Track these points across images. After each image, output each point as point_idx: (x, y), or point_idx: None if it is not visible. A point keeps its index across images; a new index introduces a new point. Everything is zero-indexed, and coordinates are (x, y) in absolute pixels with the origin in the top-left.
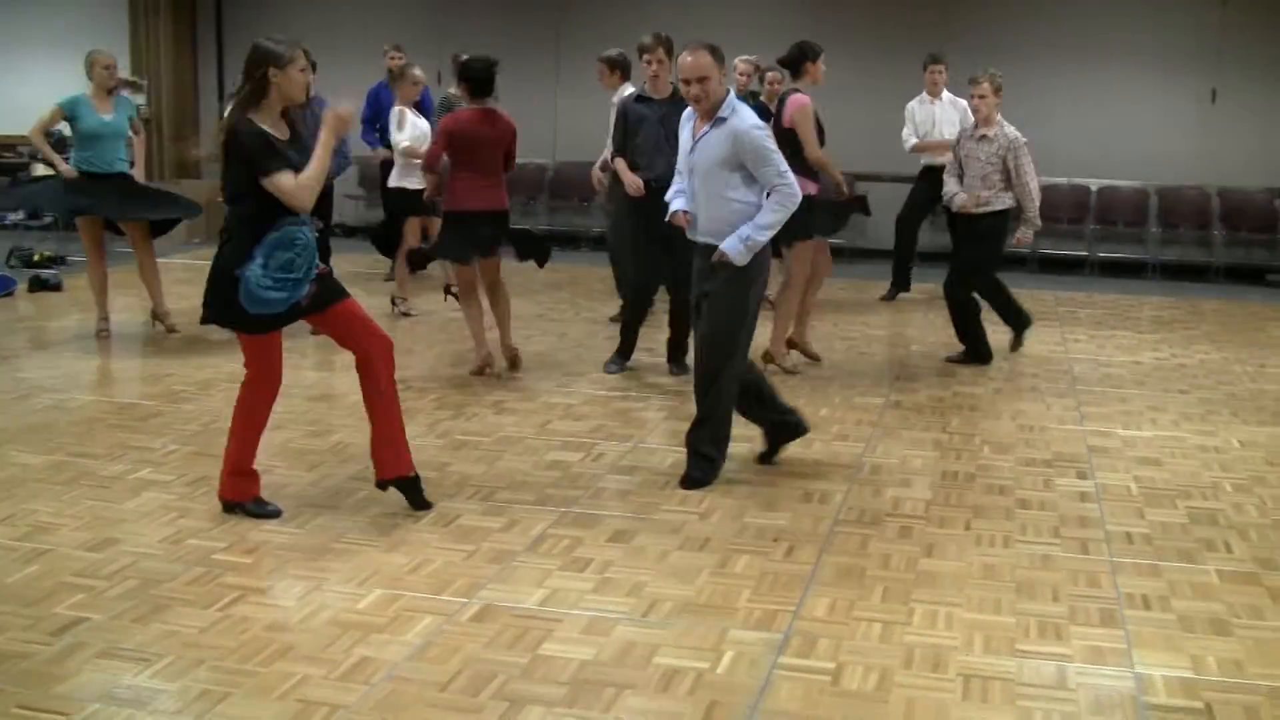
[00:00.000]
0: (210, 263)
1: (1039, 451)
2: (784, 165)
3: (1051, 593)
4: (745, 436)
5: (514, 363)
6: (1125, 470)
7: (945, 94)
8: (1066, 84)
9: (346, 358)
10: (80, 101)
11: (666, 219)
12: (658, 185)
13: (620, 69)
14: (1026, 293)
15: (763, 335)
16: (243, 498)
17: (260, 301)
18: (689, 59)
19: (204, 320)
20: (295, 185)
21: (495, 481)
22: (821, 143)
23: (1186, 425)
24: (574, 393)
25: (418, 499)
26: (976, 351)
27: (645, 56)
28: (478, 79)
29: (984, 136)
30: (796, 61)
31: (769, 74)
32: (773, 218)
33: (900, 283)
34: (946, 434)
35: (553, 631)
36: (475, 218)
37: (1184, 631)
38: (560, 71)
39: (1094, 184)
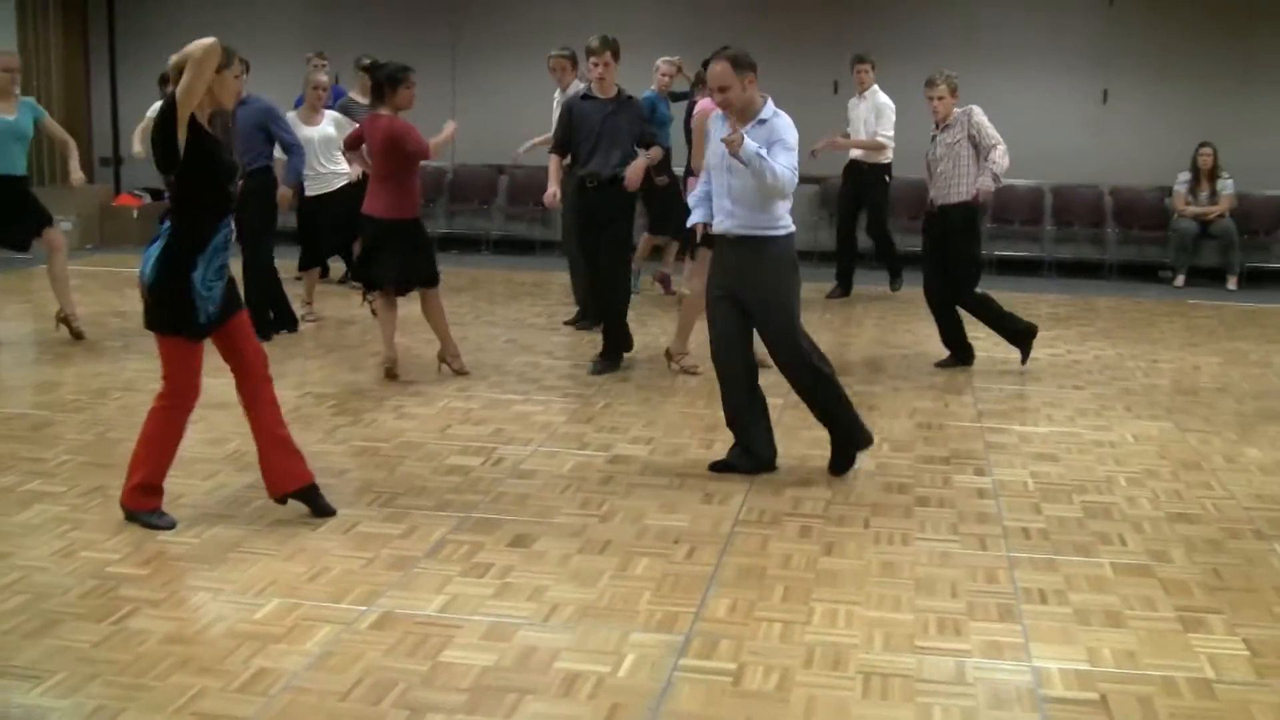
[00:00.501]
0: (149, 267)
1: (937, 449)
2: (795, 162)
3: (950, 589)
4: (644, 438)
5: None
6: (1022, 466)
7: (871, 92)
8: (963, 85)
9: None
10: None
11: (688, 226)
12: (593, 183)
13: (576, 65)
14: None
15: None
16: (144, 508)
17: (204, 308)
18: (715, 69)
19: (149, 326)
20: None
21: (395, 487)
22: None
23: (1082, 421)
24: (474, 397)
25: (321, 505)
26: (963, 353)
27: (592, 59)
28: (375, 83)
29: (946, 128)
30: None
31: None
32: (774, 167)
33: (845, 286)
34: None
35: (453, 638)
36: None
37: (1079, 624)
38: (456, 73)
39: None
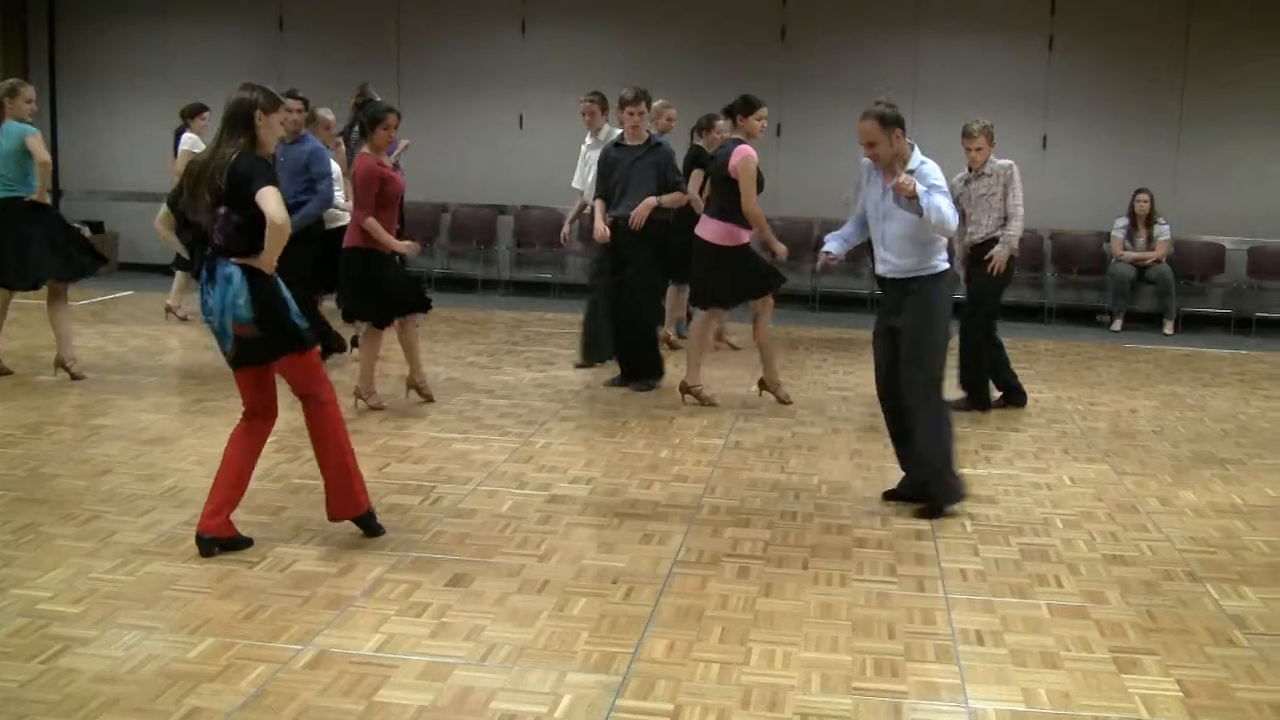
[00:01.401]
0: (244, 306)
1: (876, 490)
2: (951, 202)
3: (887, 630)
4: (584, 478)
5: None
6: (960, 508)
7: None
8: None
9: (183, 400)
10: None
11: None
12: (621, 224)
13: (606, 109)
14: (867, 334)
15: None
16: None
17: (301, 315)
18: (862, 126)
19: (259, 359)
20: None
21: (332, 526)
22: (759, 193)
23: (1020, 463)
24: (413, 435)
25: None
26: (1015, 395)
27: (628, 108)
28: (360, 123)
29: (981, 174)
30: (739, 112)
31: (716, 122)
32: (939, 200)
33: None
34: (785, 474)
35: (389, 678)
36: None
37: (1015, 665)
38: (401, 109)
39: None
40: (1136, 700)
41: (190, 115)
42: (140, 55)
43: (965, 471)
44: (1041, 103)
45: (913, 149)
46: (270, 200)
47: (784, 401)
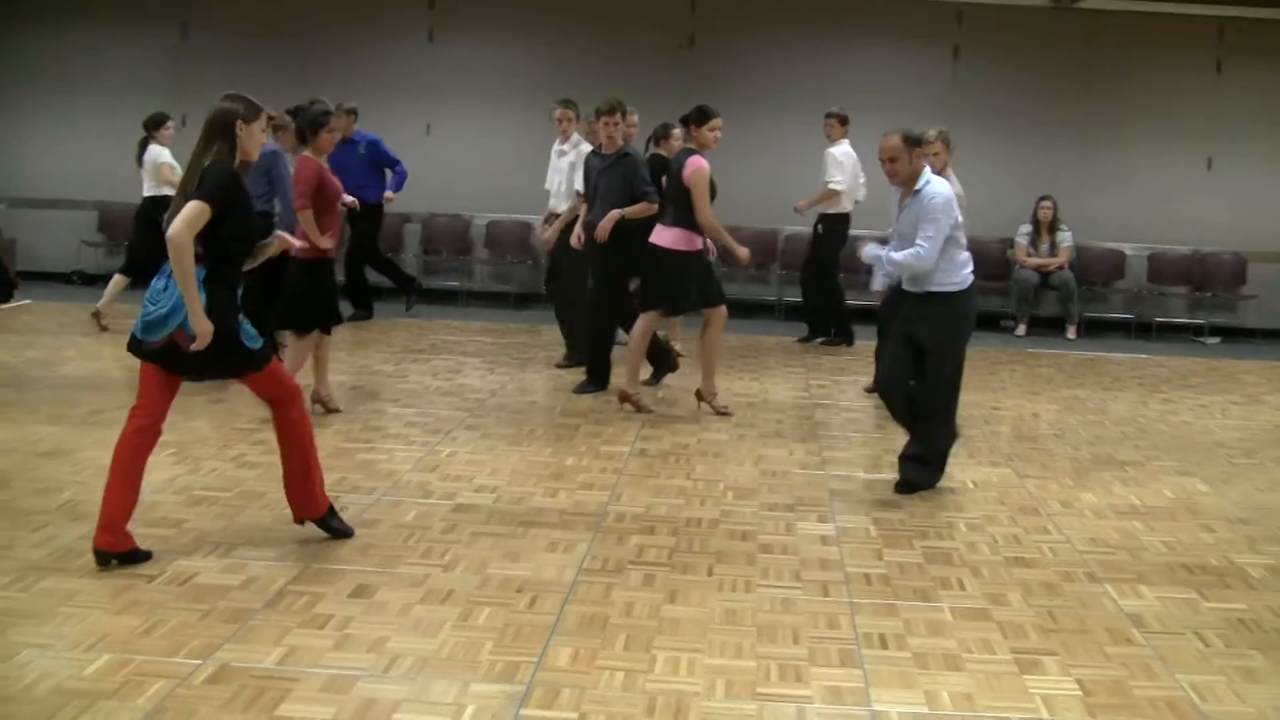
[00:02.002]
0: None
1: (781, 496)
2: (933, 235)
3: (792, 635)
4: (489, 487)
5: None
6: (865, 513)
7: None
8: (819, 136)
9: (79, 411)
10: None
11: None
12: (590, 231)
13: (578, 116)
14: (774, 339)
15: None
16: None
17: (254, 336)
18: (888, 141)
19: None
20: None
21: (234, 538)
22: (711, 201)
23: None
24: (318, 445)
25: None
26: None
27: (603, 119)
28: (297, 127)
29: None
30: (693, 122)
31: (672, 130)
32: (902, 258)
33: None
34: (691, 480)
35: (291, 691)
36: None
37: (919, 668)
38: None
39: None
40: (1037, 700)
41: (154, 126)
42: (40, 61)
43: (872, 476)
44: (946, 111)
45: (924, 168)
46: (179, 215)
47: (721, 412)
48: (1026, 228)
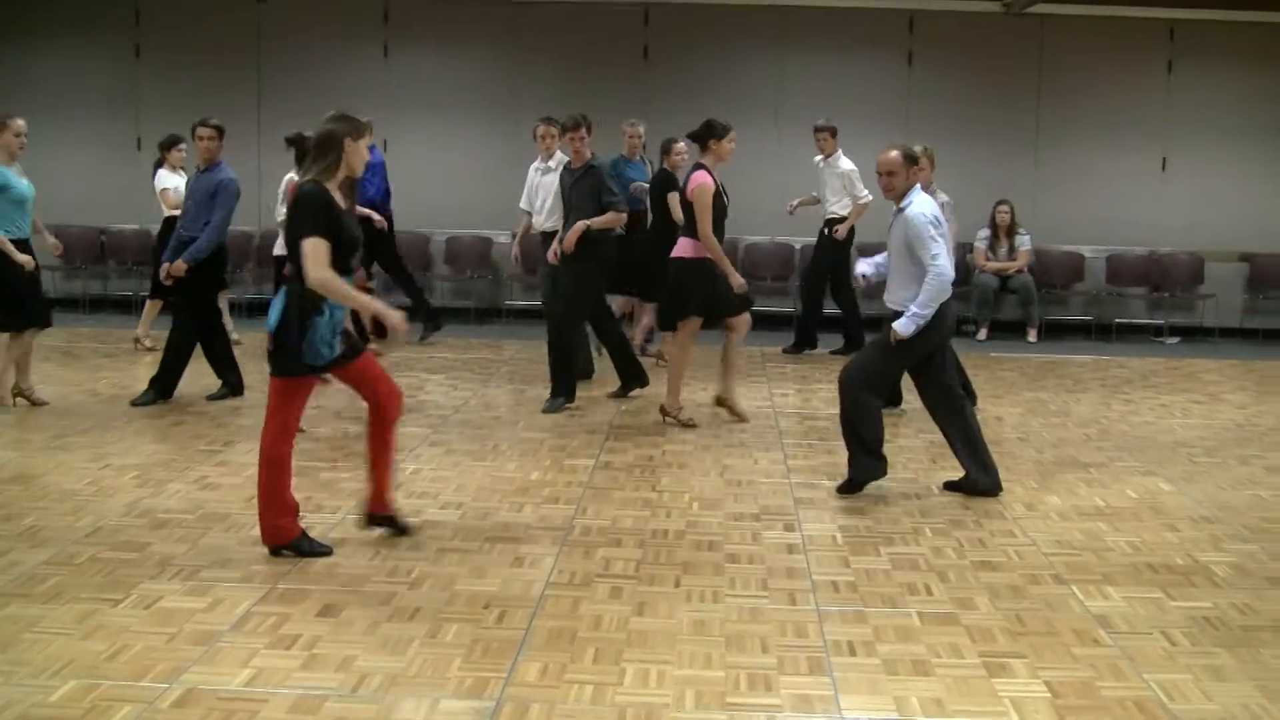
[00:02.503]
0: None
1: (747, 506)
2: (936, 249)
3: (761, 645)
4: (454, 503)
5: None
6: (831, 520)
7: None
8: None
9: (43, 436)
10: (4, 170)
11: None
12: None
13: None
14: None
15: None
16: (288, 537)
17: (316, 353)
18: (884, 156)
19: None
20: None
21: (199, 560)
22: (721, 219)
23: (889, 474)
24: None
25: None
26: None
27: (569, 134)
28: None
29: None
30: (702, 137)
31: (675, 145)
32: (925, 297)
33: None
34: (656, 492)
35: (259, 712)
36: None
37: (888, 674)
38: (262, 132)
39: (798, 242)
40: (1007, 703)
41: (167, 148)
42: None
43: (836, 484)
44: (902, 118)
45: (915, 186)
46: (306, 253)
47: (741, 419)
48: (985, 232)
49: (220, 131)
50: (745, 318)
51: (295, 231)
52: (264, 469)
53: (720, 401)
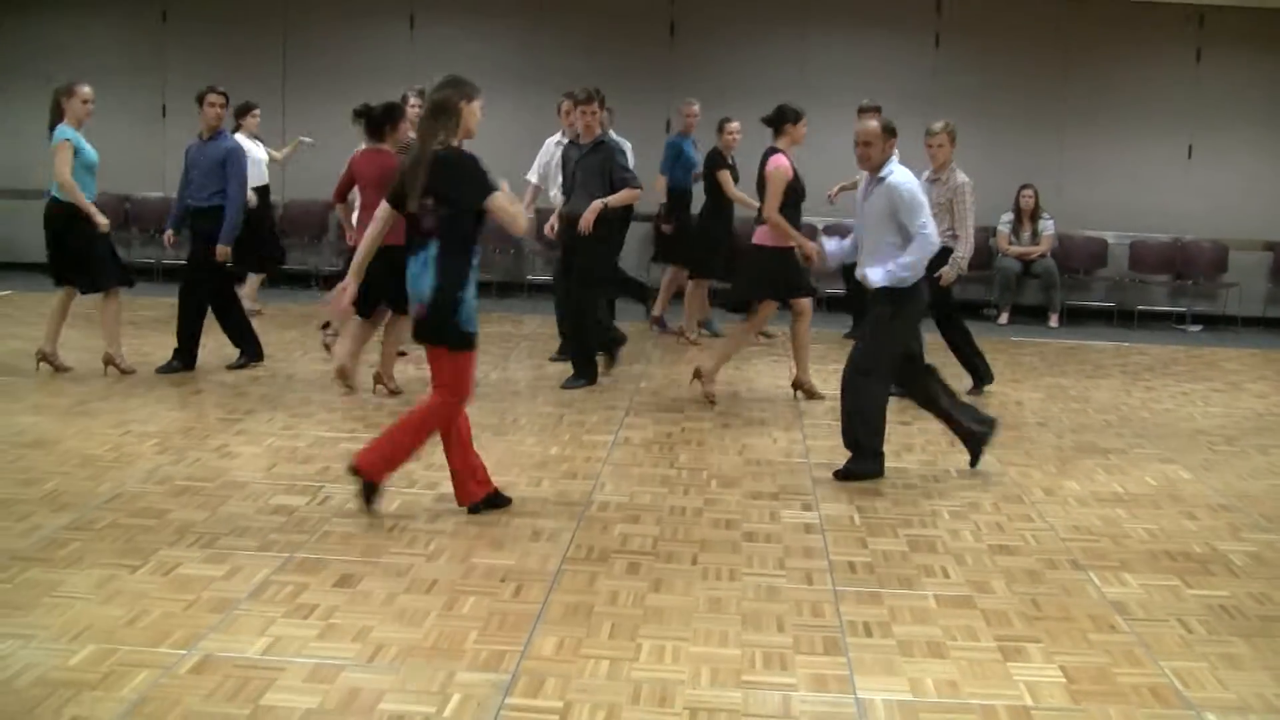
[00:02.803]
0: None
1: (765, 485)
2: (924, 217)
3: (777, 623)
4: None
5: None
6: (848, 501)
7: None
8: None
9: (64, 402)
10: (76, 135)
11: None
12: (571, 221)
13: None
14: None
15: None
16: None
17: (472, 320)
18: (865, 126)
19: (417, 338)
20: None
21: (218, 528)
22: (798, 203)
23: (908, 456)
24: (300, 435)
25: (500, 499)
26: (977, 373)
27: (580, 107)
28: (372, 121)
29: (938, 180)
30: (777, 122)
31: (729, 124)
32: (910, 259)
33: None
34: (675, 469)
35: (275, 680)
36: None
37: (903, 656)
38: (287, 108)
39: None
40: (1021, 687)
41: (241, 114)
42: (19, 48)
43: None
44: (928, 100)
45: (892, 158)
46: (501, 207)
47: (814, 395)
48: (1008, 216)
49: (227, 100)
50: (807, 301)
51: (471, 197)
52: (455, 444)
53: (799, 384)
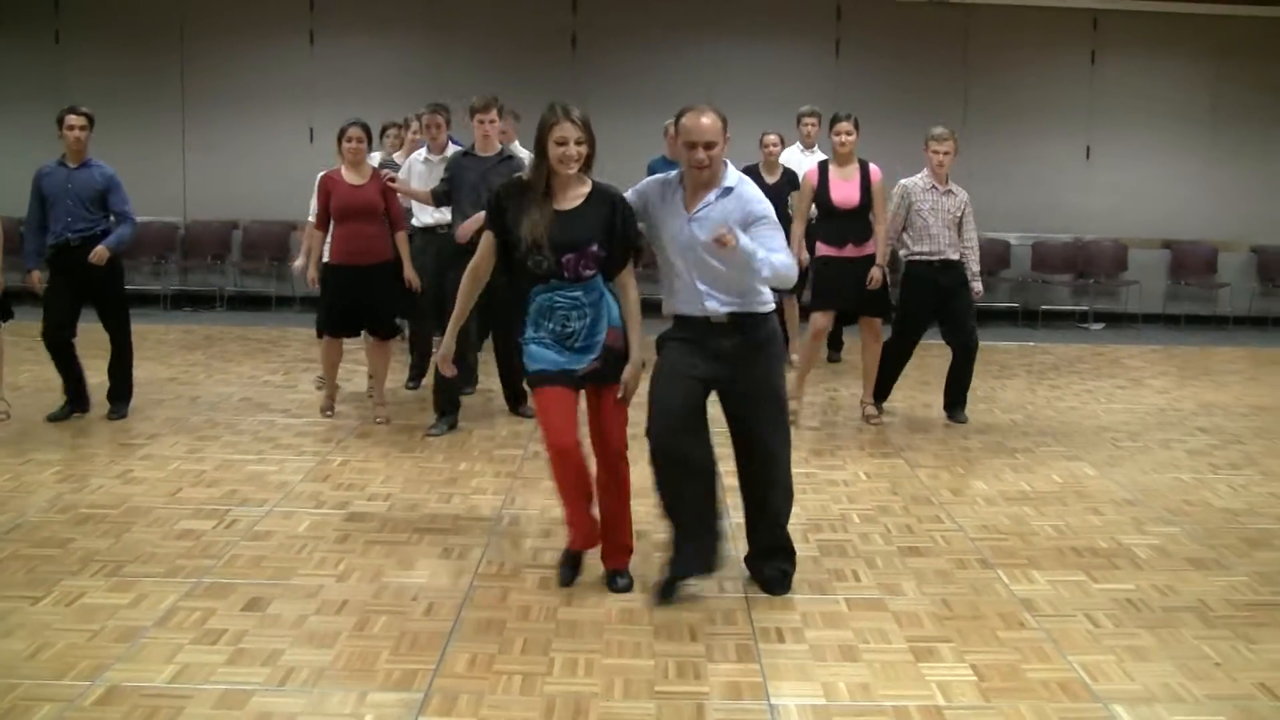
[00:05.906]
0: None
1: None
2: (781, 236)
3: (689, 632)
4: (382, 494)
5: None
6: None
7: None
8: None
9: None
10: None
11: None
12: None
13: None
14: None
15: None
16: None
17: (532, 359)
18: (704, 121)
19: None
20: None
21: (122, 555)
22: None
23: (815, 461)
24: (205, 458)
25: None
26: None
27: (478, 117)
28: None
29: (950, 192)
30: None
31: (767, 137)
32: (779, 263)
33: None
34: None
35: (184, 709)
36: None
37: (816, 660)
38: (187, 127)
39: None
40: (933, 687)
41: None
42: None
43: None
44: (830, 106)
45: (725, 164)
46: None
47: (874, 421)
48: None
49: (91, 121)
50: (874, 321)
51: (633, 230)
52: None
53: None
